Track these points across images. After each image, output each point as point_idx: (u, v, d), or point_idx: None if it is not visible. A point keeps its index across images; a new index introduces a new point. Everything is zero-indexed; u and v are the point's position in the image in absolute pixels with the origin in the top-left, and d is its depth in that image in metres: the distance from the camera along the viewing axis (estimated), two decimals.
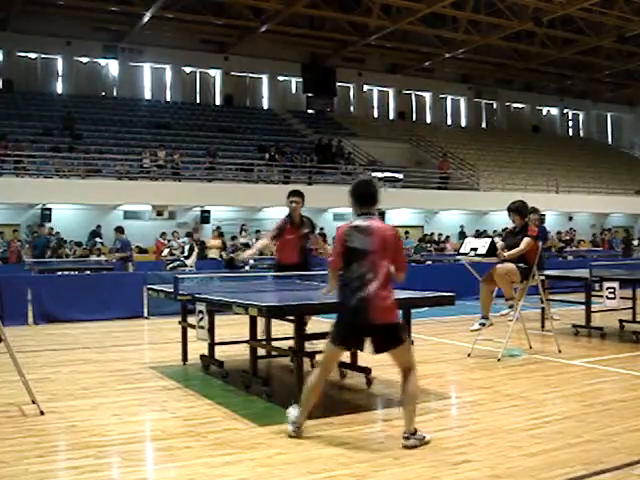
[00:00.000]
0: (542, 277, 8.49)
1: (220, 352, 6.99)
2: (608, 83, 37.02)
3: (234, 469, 4.07)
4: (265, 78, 32.07)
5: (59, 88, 28.16)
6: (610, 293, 8.19)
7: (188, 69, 30.47)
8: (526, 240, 7.56)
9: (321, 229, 24.66)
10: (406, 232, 24.83)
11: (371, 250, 4.47)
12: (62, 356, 8.07)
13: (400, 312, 5.68)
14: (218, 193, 23.16)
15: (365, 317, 4.43)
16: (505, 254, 7.46)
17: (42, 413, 5.23)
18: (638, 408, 5.35)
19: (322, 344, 6.62)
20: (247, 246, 21.32)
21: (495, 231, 23.04)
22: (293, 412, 4.71)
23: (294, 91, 32.77)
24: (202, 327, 6.17)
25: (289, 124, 31.00)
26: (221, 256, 20.30)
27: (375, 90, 34.59)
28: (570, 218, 30.36)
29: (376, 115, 34.52)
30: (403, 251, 4.71)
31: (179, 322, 7.45)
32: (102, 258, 17.95)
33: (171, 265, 17.00)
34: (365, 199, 4.64)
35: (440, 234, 26.26)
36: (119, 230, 16.10)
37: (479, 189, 28.78)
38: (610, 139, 42.07)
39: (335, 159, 27.56)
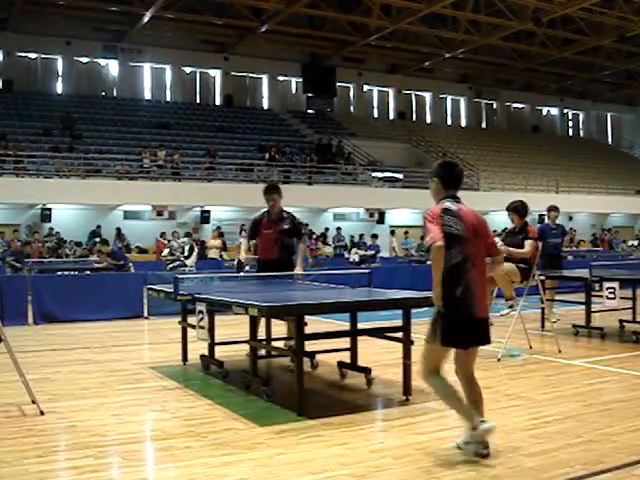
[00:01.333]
0: (542, 277, 8.48)
1: (220, 352, 7.00)
2: (608, 83, 37.01)
3: (234, 469, 4.06)
4: (265, 78, 32.07)
5: (59, 88, 28.15)
6: (610, 293, 8.19)
7: (188, 69, 30.46)
8: (529, 242, 7.59)
9: (326, 229, 24.73)
10: (405, 232, 24.85)
11: (465, 236, 4.21)
12: (62, 356, 8.07)
13: (400, 311, 5.72)
14: (218, 193, 23.16)
15: (470, 310, 4.16)
16: (510, 249, 7.48)
17: (42, 413, 5.23)
18: (638, 408, 5.35)
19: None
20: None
21: (495, 231, 23.03)
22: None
23: (294, 91, 32.77)
24: (202, 327, 6.16)
25: (289, 124, 31.00)
26: (221, 256, 20.32)
27: (375, 90, 34.59)
28: (570, 218, 30.36)
29: (376, 115, 34.51)
30: (493, 236, 4.39)
31: (179, 322, 7.44)
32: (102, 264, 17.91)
33: (171, 265, 17.00)
34: (453, 180, 4.42)
35: None
36: (103, 243, 14.99)
37: (479, 189, 28.78)
38: (610, 139, 42.06)
39: (335, 159, 27.56)
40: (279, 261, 7.56)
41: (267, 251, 7.66)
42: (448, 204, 4.30)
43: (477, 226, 4.30)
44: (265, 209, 7.82)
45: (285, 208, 7.92)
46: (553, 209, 10.72)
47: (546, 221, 10.94)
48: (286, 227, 7.63)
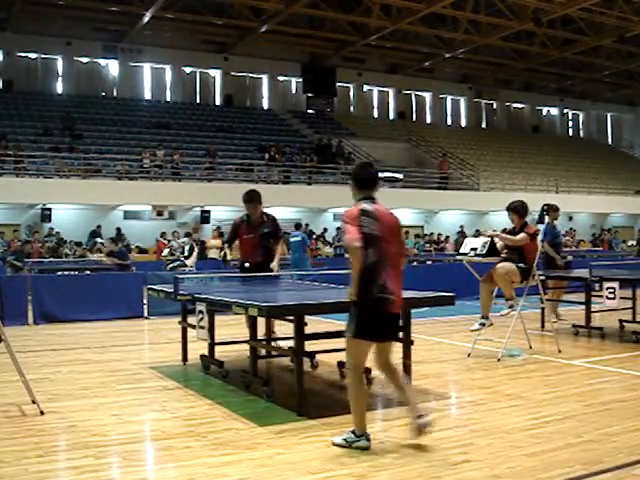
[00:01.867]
0: (542, 277, 8.48)
1: (220, 352, 6.99)
2: (608, 83, 37.02)
3: (234, 469, 4.06)
4: (265, 78, 32.07)
5: (59, 88, 28.16)
6: (610, 293, 8.19)
7: (188, 69, 30.47)
8: (522, 235, 7.59)
9: (324, 230, 24.72)
10: (406, 232, 24.86)
11: (381, 236, 4.35)
12: (62, 356, 8.07)
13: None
14: (218, 193, 23.13)
15: (385, 307, 4.36)
16: (499, 232, 7.60)
17: (42, 413, 5.23)
18: (638, 408, 5.35)
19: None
20: None
21: (494, 231, 23.01)
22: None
23: (294, 91, 32.77)
24: (202, 327, 6.17)
25: (289, 124, 31.00)
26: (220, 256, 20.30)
27: (375, 90, 34.59)
28: (570, 218, 30.38)
29: (376, 115, 34.52)
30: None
31: (179, 322, 7.45)
32: (102, 258, 17.92)
33: (171, 265, 16.99)
34: (366, 181, 4.56)
35: (440, 234, 26.29)
36: (112, 241, 15.64)
37: (479, 189, 28.78)
38: (610, 139, 42.06)
39: (335, 159, 27.56)
40: (263, 264, 7.58)
41: (250, 255, 7.66)
42: (365, 205, 4.41)
43: (393, 226, 4.47)
44: (244, 213, 7.81)
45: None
46: (556, 209, 10.66)
47: (547, 221, 10.84)
48: (267, 230, 7.66)
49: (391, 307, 4.39)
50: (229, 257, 7.82)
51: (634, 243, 26.41)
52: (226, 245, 7.96)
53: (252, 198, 7.64)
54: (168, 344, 8.61)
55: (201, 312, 6.15)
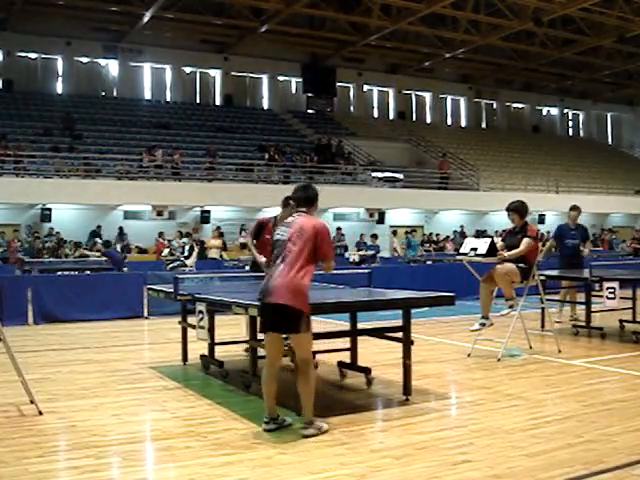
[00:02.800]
0: (542, 277, 8.48)
1: (220, 352, 6.99)
2: (608, 83, 37.02)
3: (234, 469, 4.06)
4: (265, 78, 32.08)
5: (59, 88, 28.17)
6: (610, 293, 8.18)
7: (188, 69, 30.47)
8: (526, 241, 7.55)
9: None
10: (406, 232, 24.85)
11: (286, 239, 4.80)
12: (62, 356, 8.07)
13: (400, 311, 5.72)
14: (218, 193, 23.16)
15: (267, 296, 4.68)
16: (506, 254, 7.46)
17: (41, 413, 5.22)
18: (638, 408, 5.35)
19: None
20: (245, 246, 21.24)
21: (496, 231, 23.05)
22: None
23: (294, 91, 32.78)
24: (202, 327, 6.17)
25: (289, 124, 31.00)
26: (221, 256, 20.31)
27: (375, 90, 34.60)
28: None
29: (376, 115, 34.52)
30: (328, 243, 4.92)
31: (179, 322, 7.44)
32: (102, 258, 17.91)
33: (171, 265, 16.99)
34: (300, 201, 5.14)
35: (438, 234, 26.27)
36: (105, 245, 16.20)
37: (479, 189, 28.78)
38: (610, 139, 42.06)
39: (335, 159, 27.56)
40: None
41: (266, 255, 7.65)
42: (290, 218, 5.00)
43: (304, 230, 4.80)
44: (271, 214, 7.79)
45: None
46: (572, 209, 10.64)
47: (566, 220, 10.87)
48: None
49: (268, 297, 4.66)
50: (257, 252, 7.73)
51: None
52: (250, 240, 7.91)
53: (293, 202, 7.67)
54: (168, 344, 8.61)
55: (201, 312, 6.15)
